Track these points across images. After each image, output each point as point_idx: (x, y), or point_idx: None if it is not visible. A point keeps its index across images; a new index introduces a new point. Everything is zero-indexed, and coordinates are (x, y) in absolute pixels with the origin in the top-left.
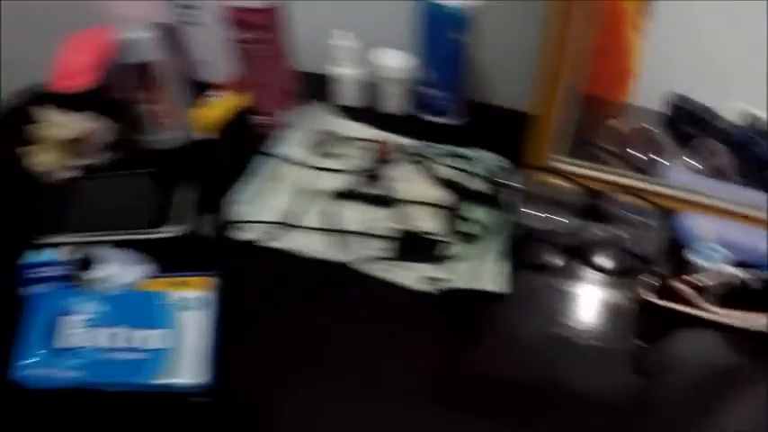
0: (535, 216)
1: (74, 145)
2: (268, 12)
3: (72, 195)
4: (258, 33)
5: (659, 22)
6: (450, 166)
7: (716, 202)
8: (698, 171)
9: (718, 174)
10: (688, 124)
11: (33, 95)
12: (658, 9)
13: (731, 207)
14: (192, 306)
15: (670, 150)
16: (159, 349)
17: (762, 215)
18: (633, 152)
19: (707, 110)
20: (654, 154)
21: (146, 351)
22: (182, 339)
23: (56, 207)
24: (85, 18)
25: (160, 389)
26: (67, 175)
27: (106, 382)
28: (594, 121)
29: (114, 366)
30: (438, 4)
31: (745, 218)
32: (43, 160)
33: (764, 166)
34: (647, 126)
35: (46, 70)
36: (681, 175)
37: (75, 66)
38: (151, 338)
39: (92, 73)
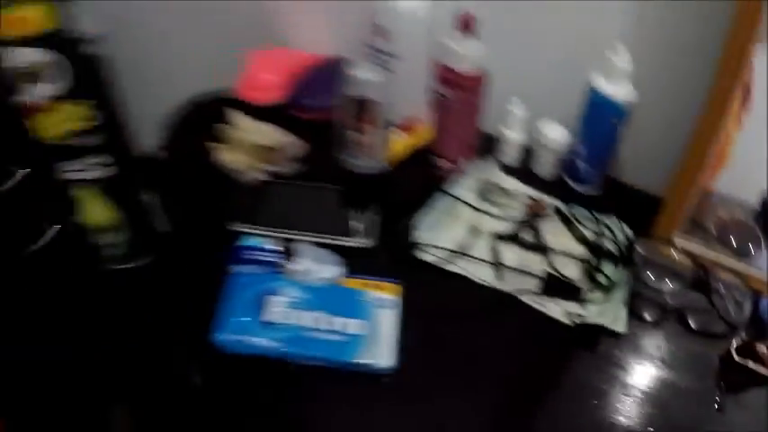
0: (650, 278)
1: (266, 152)
2: (476, 78)
3: (265, 195)
4: (460, 93)
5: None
6: (589, 228)
7: None
8: None
9: None
10: None
11: (219, 99)
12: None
13: None
14: (386, 305)
15: (763, 240)
16: (358, 335)
17: None
18: (733, 238)
19: None
20: (750, 242)
21: (345, 335)
22: (377, 330)
23: (251, 202)
24: (262, 35)
25: (356, 368)
26: (259, 176)
27: (306, 356)
28: (705, 206)
29: (316, 343)
30: (605, 95)
31: None
32: (233, 159)
33: None
34: (744, 218)
35: (224, 77)
36: None
37: (263, 81)
38: (350, 325)
39: (279, 90)
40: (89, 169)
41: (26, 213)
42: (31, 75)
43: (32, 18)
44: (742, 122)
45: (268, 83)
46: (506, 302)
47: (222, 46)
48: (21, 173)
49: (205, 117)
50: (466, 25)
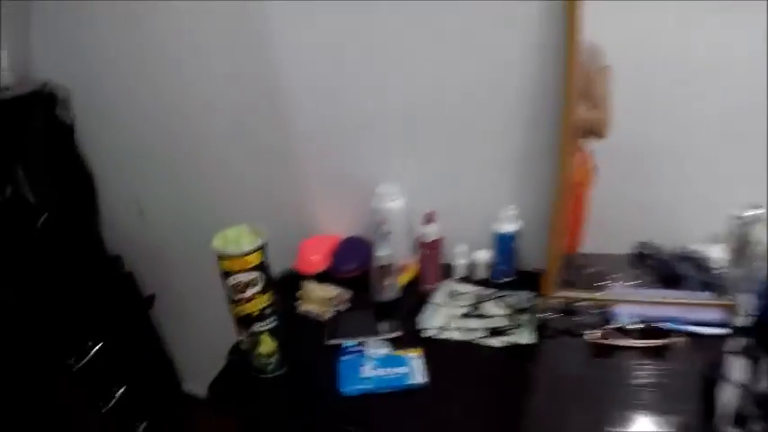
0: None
1: (330, 300)
2: (436, 242)
3: (336, 324)
4: (429, 250)
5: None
6: (512, 298)
7: (630, 298)
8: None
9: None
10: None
11: (290, 274)
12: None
13: (641, 299)
14: (415, 359)
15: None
16: (406, 373)
17: (660, 299)
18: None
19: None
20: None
21: (401, 374)
22: (414, 369)
23: (333, 327)
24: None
25: (410, 386)
26: (329, 315)
27: (385, 387)
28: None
29: (389, 380)
30: (504, 234)
31: (652, 303)
32: (309, 308)
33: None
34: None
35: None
36: (619, 289)
37: (313, 258)
38: (401, 370)
39: (323, 263)
40: (268, 324)
41: None
42: (248, 283)
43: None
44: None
45: (317, 261)
46: (471, 346)
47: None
48: None
49: (287, 283)
50: (429, 219)
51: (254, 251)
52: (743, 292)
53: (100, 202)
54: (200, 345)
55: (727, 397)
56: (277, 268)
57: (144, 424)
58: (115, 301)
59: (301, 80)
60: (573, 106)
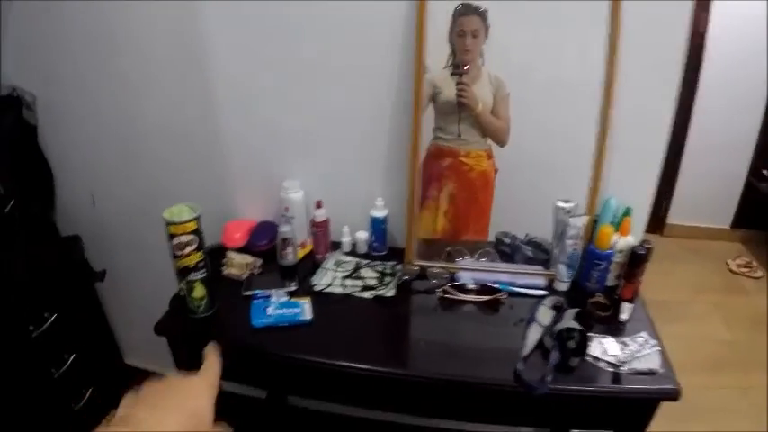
0: (408, 276)
1: (247, 265)
2: (324, 222)
3: (250, 281)
4: (320, 228)
5: None
6: (380, 266)
7: (471, 267)
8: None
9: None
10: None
11: (217, 247)
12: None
13: (479, 267)
14: (306, 303)
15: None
16: (300, 312)
17: (492, 268)
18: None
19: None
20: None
21: (296, 314)
22: (305, 310)
23: (248, 283)
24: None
25: (302, 322)
26: (245, 275)
27: (284, 321)
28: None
29: (287, 317)
30: (377, 216)
31: (488, 270)
32: (231, 271)
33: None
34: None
35: (213, 237)
36: (467, 261)
37: (235, 236)
38: (298, 310)
39: (243, 239)
40: (200, 274)
41: None
42: (187, 243)
43: (190, 225)
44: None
45: (238, 237)
46: (349, 297)
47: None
48: None
49: (215, 255)
50: (318, 205)
51: (192, 220)
52: (560, 264)
53: (58, 194)
54: (141, 322)
55: (534, 334)
56: (207, 242)
57: (90, 390)
58: (70, 276)
59: (227, 95)
60: (420, 114)
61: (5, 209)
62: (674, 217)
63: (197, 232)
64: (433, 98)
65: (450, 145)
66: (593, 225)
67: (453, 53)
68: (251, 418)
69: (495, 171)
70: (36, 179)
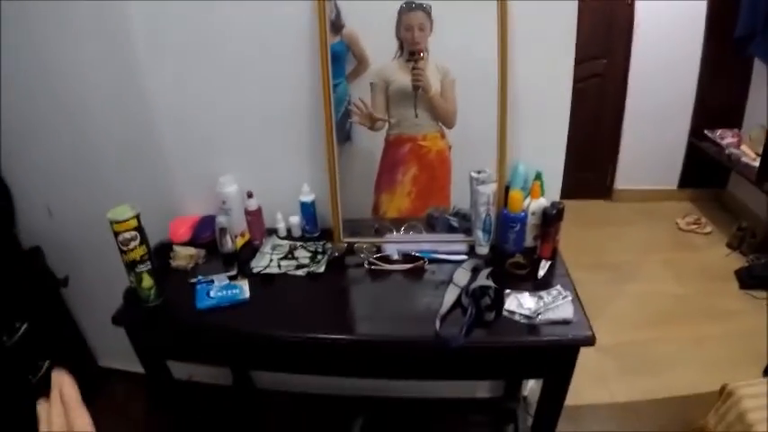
0: (335, 252)
1: (192, 257)
2: (257, 211)
3: (195, 270)
4: (252, 217)
5: None
6: (314, 247)
7: (393, 240)
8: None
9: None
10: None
11: (166, 243)
12: None
13: (402, 239)
14: (243, 285)
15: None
16: (239, 293)
17: (415, 239)
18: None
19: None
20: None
21: (236, 294)
22: (244, 290)
23: (193, 272)
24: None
25: (242, 302)
26: (191, 265)
27: (225, 302)
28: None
29: (227, 298)
30: (306, 201)
31: (410, 242)
32: (178, 263)
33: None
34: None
35: (162, 234)
36: (393, 236)
37: (180, 231)
38: (237, 291)
39: (188, 234)
40: (146, 266)
41: None
42: (131, 239)
43: (131, 222)
44: None
45: (183, 231)
46: (285, 276)
47: (162, 220)
48: None
49: (163, 250)
50: (249, 195)
51: (132, 217)
52: (477, 230)
53: (17, 208)
54: (109, 324)
55: (451, 294)
56: (156, 239)
57: None
58: (36, 286)
59: (162, 103)
60: (329, 105)
61: None
62: (622, 182)
63: (138, 228)
64: (386, 90)
65: (407, 132)
66: (506, 191)
67: (401, 46)
68: (220, 406)
69: (449, 148)
70: None
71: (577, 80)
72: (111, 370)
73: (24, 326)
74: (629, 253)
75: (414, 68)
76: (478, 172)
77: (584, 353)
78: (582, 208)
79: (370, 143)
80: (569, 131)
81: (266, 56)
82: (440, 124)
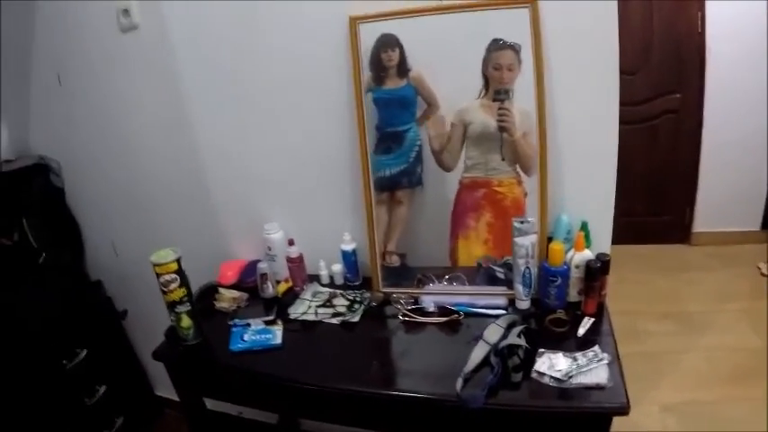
0: (374, 302)
1: (235, 300)
2: (298, 257)
3: (236, 312)
4: (294, 263)
5: None
6: (353, 296)
7: (429, 291)
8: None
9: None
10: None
11: (213, 285)
12: None
13: (439, 291)
14: (277, 331)
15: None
16: (273, 338)
17: (453, 291)
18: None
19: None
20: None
21: (269, 339)
22: (277, 336)
23: (234, 315)
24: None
25: (276, 347)
26: (233, 308)
27: (258, 346)
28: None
29: (260, 342)
30: (346, 251)
31: (449, 293)
32: (222, 305)
33: None
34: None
35: (212, 276)
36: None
37: (228, 274)
38: (271, 335)
39: (234, 277)
40: (185, 307)
41: None
42: (171, 281)
43: (172, 265)
44: None
45: (230, 275)
46: (320, 323)
47: (214, 262)
48: None
49: (208, 291)
50: (290, 243)
51: (173, 261)
52: (517, 284)
53: (85, 245)
54: None
55: (479, 351)
56: (206, 279)
57: (121, 419)
58: (97, 316)
59: (210, 151)
60: (366, 155)
61: (39, 260)
62: (700, 224)
63: (179, 271)
64: (464, 131)
65: (483, 175)
66: (548, 242)
67: (486, 85)
68: None
69: (525, 195)
70: (65, 234)
71: (650, 118)
72: (166, 399)
73: (84, 352)
74: (705, 302)
75: (500, 108)
76: (521, 222)
77: (646, 411)
78: (657, 253)
79: (443, 188)
80: (645, 172)
81: (311, 102)
82: (518, 169)
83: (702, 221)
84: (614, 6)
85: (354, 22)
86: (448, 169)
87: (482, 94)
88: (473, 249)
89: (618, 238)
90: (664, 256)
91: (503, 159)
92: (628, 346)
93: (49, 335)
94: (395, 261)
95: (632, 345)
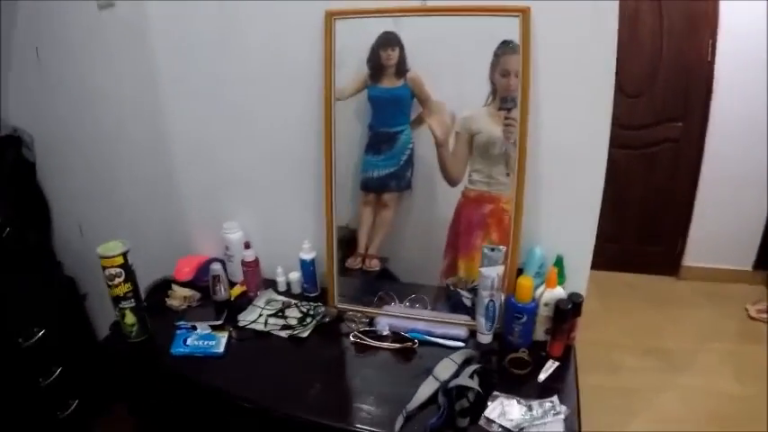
0: (326, 317)
1: (186, 299)
2: (253, 261)
3: (186, 312)
4: (250, 267)
5: None
6: (307, 308)
7: (386, 313)
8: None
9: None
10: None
11: (166, 280)
12: None
13: (395, 314)
14: (220, 336)
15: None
16: (214, 346)
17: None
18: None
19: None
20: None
21: (211, 346)
22: (220, 342)
23: (182, 315)
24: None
25: (218, 356)
26: (183, 307)
27: (200, 352)
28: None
29: (205, 348)
30: (304, 260)
31: (405, 317)
32: (173, 302)
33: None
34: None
35: (169, 270)
36: (391, 307)
37: (184, 270)
38: (213, 343)
39: (190, 274)
40: (129, 303)
41: None
42: (116, 275)
43: (118, 259)
44: None
45: (186, 272)
46: (268, 335)
47: (175, 256)
48: None
49: (161, 287)
50: (246, 246)
51: (119, 255)
52: (480, 316)
53: (53, 224)
54: None
55: (427, 388)
56: (162, 273)
57: (76, 402)
58: (57, 296)
59: (180, 145)
60: (330, 154)
61: (2, 235)
62: (691, 258)
63: (124, 266)
64: (470, 140)
65: (490, 190)
66: (518, 275)
67: (494, 92)
68: None
69: None
70: (34, 211)
71: (650, 144)
72: None
73: (42, 332)
74: (688, 339)
75: (506, 118)
76: (491, 249)
77: None
78: (645, 283)
79: (438, 196)
80: (639, 199)
81: (276, 101)
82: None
83: (693, 255)
84: (614, 20)
85: (330, 17)
86: (455, 183)
87: (489, 101)
88: (475, 271)
89: (606, 265)
90: (651, 287)
91: (507, 175)
92: (604, 378)
93: (4, 311)
94: (374, 265)
95: (609, 378)
